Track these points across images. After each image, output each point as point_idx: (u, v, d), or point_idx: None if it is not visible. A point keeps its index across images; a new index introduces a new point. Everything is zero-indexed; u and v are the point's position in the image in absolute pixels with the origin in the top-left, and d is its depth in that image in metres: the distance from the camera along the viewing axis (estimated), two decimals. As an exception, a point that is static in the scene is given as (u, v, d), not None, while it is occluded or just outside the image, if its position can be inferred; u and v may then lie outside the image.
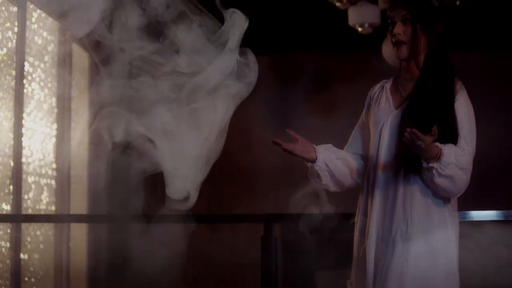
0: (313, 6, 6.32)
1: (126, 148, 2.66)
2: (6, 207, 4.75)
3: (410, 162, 2.52)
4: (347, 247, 2.83)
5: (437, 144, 2.45)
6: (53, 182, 5.50)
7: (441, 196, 2.56)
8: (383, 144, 2.63)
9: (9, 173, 4.80)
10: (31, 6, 5.14)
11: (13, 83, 4.85)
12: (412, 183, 2.56)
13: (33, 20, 5.19)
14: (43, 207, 5.31)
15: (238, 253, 6.55)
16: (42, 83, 5.31)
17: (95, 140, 2.77)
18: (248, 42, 2.60)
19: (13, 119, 4.82)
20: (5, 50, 4.76)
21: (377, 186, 2.62)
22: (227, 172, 6.62)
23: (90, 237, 6.00)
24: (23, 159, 4.97)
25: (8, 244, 4.74)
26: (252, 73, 2.58)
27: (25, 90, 4.99)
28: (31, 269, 5.10)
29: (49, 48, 5.45)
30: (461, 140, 2.52)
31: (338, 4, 5.55)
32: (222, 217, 5.09)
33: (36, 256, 5.17)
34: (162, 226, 4.00)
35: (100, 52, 2.63)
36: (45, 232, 5.34)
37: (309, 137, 2.72)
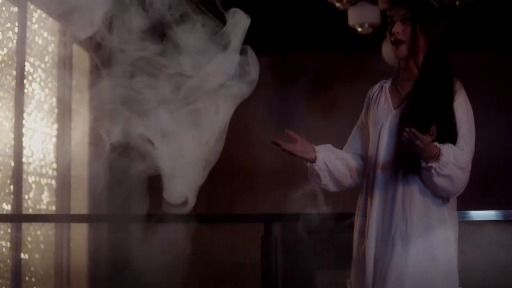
0: (313, 6, 6.33)
1: (126, 149, 2.67)
2: (7, 207, 4.76)
3: (409, 162, 2.53)
4: (346, 247, 2.83)
5: (436, 143, 2.45)
6: (53, 182, 5.51)
7: (440, 196, 2.56)
8: (382, 144, 2.64)
9: (10, 173, 4.80)
10: (32, 6, 5.15)
11: (13, 83, 4.85)
12: (411, 183, 2.56)
13: (34, 20, 5.20)
14: (43, 207, 5.32)
15: (238, 253, 6.55)
16: (42, 83, 5.32)
17: (95, 141, 2.78)
18: (248, 42, 2.60)
19: (13, 119, 4.83)
20: (5, 50, 4.77)
21: (377, 186, 2.63)
22: (227, 172, 6.62)
23: (90, 237, 6.00)
24: (24, 159, 4.98)
25: (8, 244, 4.74)
26: (254, 71, 2.59)
27: (25, 90, 4.99)
28: (32, 268, 5.11)
29: (50, 49, 5.46)
30: (460, 140, 2.53)
31: (338, 4, 5.56)
32: (222, 217, 5.09)
33: (36, 256, 5.17)
34: (162, 226, 4.00)
35: (101, 53, 2.64)
36: (46, 232, 5.35)
37: (309, 137, 2.73)
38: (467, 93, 2.64)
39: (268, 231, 3.59)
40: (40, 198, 5.28)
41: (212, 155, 2.58)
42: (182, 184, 2.60)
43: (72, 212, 5.71)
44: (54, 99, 5.50)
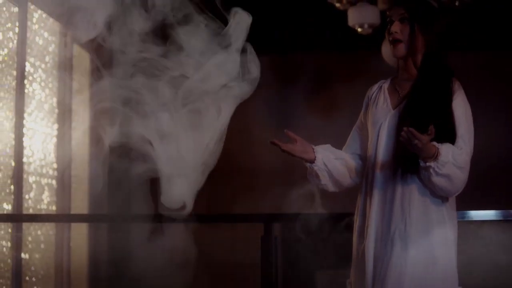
0: (313, 7, 6.33)
1: (126, 149, 2.67)
2: (7, 207, 4.76)
3: (407, 162, 2.53)
4: (346, 247, 2.84)
5: (434, 143, 2.46)
6: (54, 182, 5.52)
7: (439, 195, 2.57)
8: (381, 144, 2.65)
9: (10, 173, 4.81)
10: (32, 6, 5.16)
11: (14, 83, 4.86)
12: (410, 183, 2.57)
13: (34, 20, 5.20)
14: (44, 206, 5.32)
15: (238, 252, 6.56)
16: (43, 84, 5.32)
17: (95, 141, 2.78)
18: (248, 42, 2.61)
19: (14, 119, 4.83)
20: (6, 50, 4.77)
21: (376, 186, 2.64)
22: (227, 172, 6.62)
23: (90, 237, 6.01)
24: (24, 159, 4.98)
25: (9, 244, 4.75)
26: (255, 69, 2.59)
27: (26, 91, 5.00)
28: (32, 268, 5.11)
29: (50, 49, 5.47)
30: (459, 140, 2.53)
31: (337, 4, 5.57)
32: (222, 217, 5.10)
33: (37, 255, 5.18)
34: (162, 225, 4.01)
35: (101, 54, 2.64)
36: (46, 232, 5.35)
37: (309, 137, 2.73)
38: (466, 93, 2.65)
39: (268, 231, 3.59)
40: (41, 198, 5.28)
41: (212, 158, 2.58)
42: (181, 189, 2.60)
43: (73, 212, 5.72)
44: (55, 99, 5.51)
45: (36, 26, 5.23)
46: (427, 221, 2.57)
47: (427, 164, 2.46)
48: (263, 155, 6.51)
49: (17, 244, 4.79)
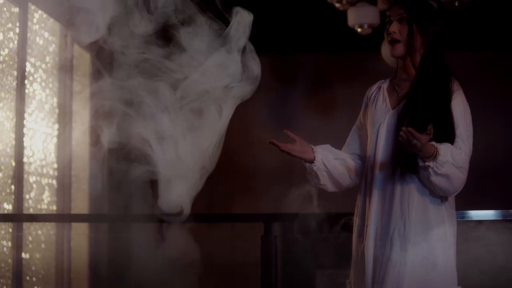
0: (312, 7, 6.34)
1: (126, 150, 2.67)
2: (8, 207, 4.77)
3: (406, 161, 2.54)
4: (346, 247, 2.84)
5: (433, 143, 2.46)
6: (54, 181, 5.53)
7: (438, 195, 2.57)
8: (380, 143, 2.65)
9: (11, 173, 4.82)
10: (33, 7, 5.17)
11: (14, 83, 4.86)
12: (409, 182, 2.57)
13: (35, 21, 5.21)
14: (44, 206, 5.33)
15: (237, 252, 6.57)
16: (43, 84, 5.33)
17: (95, 141, 2.78)
18: (248, 41, 2.62)
19: (14, 119, 4.84)
20: (6, 50, 4.78)
21: (375, 186, 2.64)
22: (227, 172, 6.63)
23: (91, 237, 6.02)
24: (25, 159, 4.99)
25: (9, 244, 4.76)
26: (256, 67, 2.59)
27: (26, 91, 5.01)
28: (33, 268, 5.12)
29: (51, 49, 5.47)
30: (458, 139, 2.54)
31: (337, 5, 5.58)
32: (222, 217, 5.10)
33: (37, 255, 5.19)
34: (162, 225, 4.02)
35: (102, 54, 2.64)
36: (47, 232, 5.36)
37: (309, 137, 2.74)
38: (465, 93, 2.65)
39: (268, 230, 3.59)
40: (41, 198, 5.29)
41: (211, 161, 2.59)
42: (178, 193, 2.60)
43: (73, 212, 5.72)
44: (55, 100, 5.52)
45: (37, 27, 5.24)
46: (426, 220, 2.57)
47: (426, 163, 2.47)
48: (263, 155, 6.52)
49: (18, 244, 4.79)
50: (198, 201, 2.71)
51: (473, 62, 6.96)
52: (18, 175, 4.88)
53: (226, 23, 2.59)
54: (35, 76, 5.20)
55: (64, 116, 5.54)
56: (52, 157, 5.47)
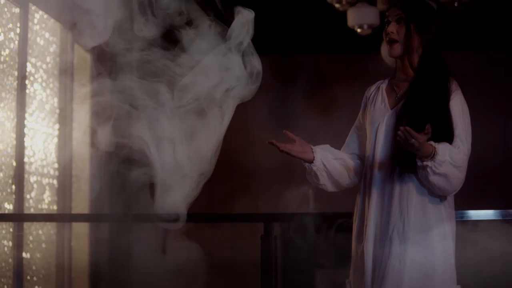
0: (312, 8, 6.35)
1: (125, 151, 2.67)
2: (9, 207, 4.78)
3: (405, 161, 2.54)
4: (346, 246, 2.85)
5: (432, 142, 2.47)
6: (55, 181, 5.54)
7: (437, 194, 2.58)
8: (379, 143, 2.66)
9: (12, 172, 4.83)
10: (33, 7, 5.18)
11: (15, 83, 4.87)
12: (408, 182, 2.58)
13: (35, 21, 5.22)
14: (45, 206, 5.34)
15: (238, 252, 6.58)
16: (44, 84, 5.34)
17: (95, 142, 2.77)
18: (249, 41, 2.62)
19: (15, 120, 4.85)
20: (7, 51, 4.79)
21: (374, 186, 2.65)
22: (227, 172, 6.64)
23: (91, 236, 6.02)
24: (25, 159, 5.00)
25: (10, 243, 4.77)
26: (257, 64, 2.60)
27: (27, 91, 5.02)
28: (33, 268, 5.13)
29: (51, 49, 5.48)
30: (456, 139, 2.54)
31: (337, 5, 5.59)
32: (222, 216, 5.11)
33: (38, 255, 5.19)
34: (163, 225, 4.02)
35: (104, 57, 2.64)
36: (47, 231, 5.37)
37: (308, 137, 2.75)
38: (465, 93, 2.65)
39: (268, 230, 3.60)
40: (42, 197, 5.30)
41: (209, 167, 2.59)
42: (175, 200, 2.60)
43: (74, 211, 5.73)
44: (56, 100, 5.53)
45: (37, 27, 5.25)
46: (425, 220, 2.58)
47: (424, 163, 2.47)
48: (263, 155, 6.53)
49: (19, 243, 4.80)
50: (198, 201, 2.72)
51: (473, 62, 6.97)
52: (19, 175, 4.89)
53: (226, 22, 2.60)
54: (36, 76, 5.21)
55: (64, 116, 5.55)
56: (52, 157, 5.48)
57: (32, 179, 5.13)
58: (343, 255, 3.04)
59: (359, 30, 5.67)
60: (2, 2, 4.71)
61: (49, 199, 5.42)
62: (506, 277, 3.95)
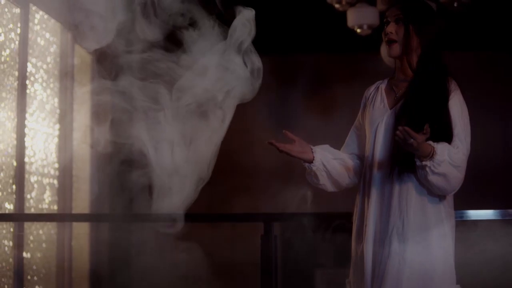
0: (312, 8, 6.36)
1: (126, 152, 2.67)
2: (9, 206, 4.79)
3: (404, 161, 2.55)
4: (345, 246, 2.86)
5: (430, 142, 2.47)
6: (55, 181, 5.54)
7: (436, 194, 2.58)
8: (378, 143, 2.66)
9: (12, 172, 4.83)
10: (34, 7, 5.18)
11: (16, 84, 4.88)
12: (407, 181, 2.58)
13: (36, 21, 5.23)
14: (45, 206, 5.35)
15: (238, 251, 6.59)
16: (44, 84, 5.35)
17: (95, 142, 2.77)
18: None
19: (16, 120, 4.86)
20: (8, 51, 4.80)
21: (373, 185, 2.65)
22: (227, 172, 6.65)
23: (92, 236, 6.03)
24: (26, 159, 5.01)
25: (11, 243, 4.77)
26: (257, 61, 2.60)
27: (27, 91, 5.02)
28: (34, 267, 5.14)
29: (52, 49, 5.49)
30: (455, 139, 2.54)
31: (337, 5, 5.59)
32: (223, 216, 5.11)
33: (38, 254, 5.20)
34: (163, 225, 4.03)
35: (104, 58, 2.65)
36: (48, 231, 5.38)
37: (309, 138, 2.75)
38: (465, 93, 2.65)
39: (268, 230, 3.60)
40: (42, 197, 5.31)
41: (208, 172, 2.59)
42: (172, 203, 2.60)
43: (74, 211, 5.74)
44: (56, 100, 5.54)
45: (38, 27, 5.26)
46: (424, 219, 2.58)
47: (423, 163, 2.47)
48: (263, 155, 6.53)
49: (19, 243, 4.80)
50: (198, 201, 2.72)
51: (472, 62, 6.98)
52: (20, 175, 4.89)
53: (227, 22, 2.60)
54: (36, 76, 5.22)
55: (65, 116, 5.56)
56: (53, 157, 5.49)
57: (33, 179, 5.14)
58: (343, 255, 3.05)
59: (358, 31, 5.68)
60: (2, 2, 4.71)
61: (50, 199, 5.42)
62: (505, 277, 3.96)
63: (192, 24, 2.58)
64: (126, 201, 4.77)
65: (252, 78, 2.58)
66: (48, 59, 5.42)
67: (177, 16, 2.58)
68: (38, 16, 5.27)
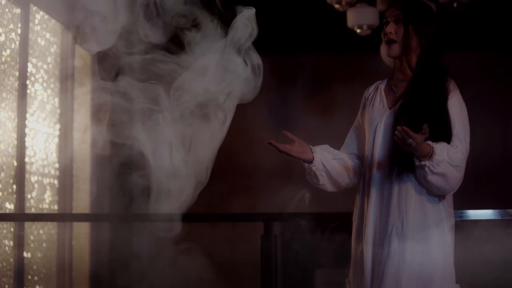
0: (312, 8, 6.36)
1: (126, 152, 2.68)
2: (10, 206, 4.79)
3: (403, 161, 2.55)
4: (345, 246, 2.86)
5: (429, 142, 2.47)
6: (56, 181, 5.55)
7: (435, 193, 2.58)
8: (378, 143, 2.66)
9: (13, 172, 4.84)
10: (34, 8, 5.19)
11: (16, 84, 4.89)
12: (406, 181, 2.58)
13: (36, 21, 5.24)
14: (46, 206, 5.35)
15: (238, 251, 6.59)
16: (45, 84, 5.36)
17: (95, 143, 2.78)
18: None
19: (16, 120, 4.87)
20: (8, 51, 4.81)
21: (373, 185, 2.65)
22: (227, 171, 6.66)
23: (92, 236, 6.04)
24: (26, 159, 5.02)
25: (11, 243, 4.78)
26: (256, 58, 2.60)
27: (28, 91, 5.03)
28: (34, 267, 5.14)
29: (52, 49, 5.50)
30: (454, 138, 2.54)
31: (337, 6, 5.60)
32: (223, 216, 5.12)
33: (39, 254, 5.21)
34: (163, 224, 4.04)
35: (105, 58, 2.65)
36: (48, 231, 5.39)
37: (309, 138, 2.76)
38: (465, 93, 2.65)
39: (268, 229, 3.61)
40: (43, 197, 5.31)
41: (206, 176, 2.59)
42: (169, 208, 2.59)
43: (74, 211, 5.74)
44: (57, 100, 5.54)
45: (38, 27, 5.27)
46: (424, 219, 2.58)
47: (422, 163, 2.48)
48: (263, 155, 6.54)
49: (20, 243, 4.81)
50: (198, 201, 2.73)
51: (473, 62, 6.98)
52: (20, 175, 4.90)
53: (227, 23, 2.61)
54: (37, 76, 5.23)
55: (65, 116, 5.57)
56: (53, 157, 5.49)
57: (33, 179, 5.15)
58: (343, 254, 3.05)
59: (358, 31, 5.68)
60: (3, 2, 4.72)
61: (50, 198, 5.43)
62: (505, 277, 3.96)
63: (194, 24, 2.58)
64: (127, 201, 4.77)
65: (253, 78, 2.59)
66: (49, 59, 5.43)
67: (178, 17, 2.58)
68: (39, 16, 5.28)
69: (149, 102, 2.60)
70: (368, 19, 5.59)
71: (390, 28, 2.67)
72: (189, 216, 2.92)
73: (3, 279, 4.67)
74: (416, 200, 2.59)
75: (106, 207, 6.01)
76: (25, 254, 4.94)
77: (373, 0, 5.71)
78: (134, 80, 2.59)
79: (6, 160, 4.75)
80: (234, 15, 2.59)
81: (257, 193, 6.76)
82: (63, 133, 5.54)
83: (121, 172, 2.83)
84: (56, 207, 5.52)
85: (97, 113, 2.78)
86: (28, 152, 5.05)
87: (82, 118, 5.65)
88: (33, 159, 5.14)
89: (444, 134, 2.54)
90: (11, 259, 4.76)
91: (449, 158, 2.48)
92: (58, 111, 5.55)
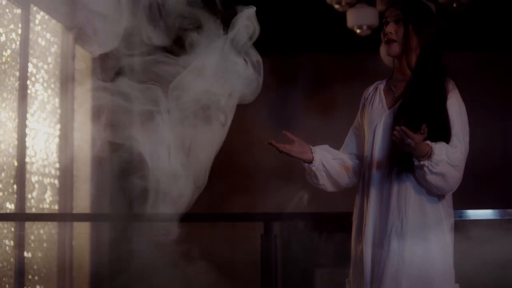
0: (312, 8, 6.37)
1: (126, 153, 2.68)
2: (10, 206, 4.80)
3: (403, 161, 2.55)
4: (345, 246, 2.86)
5: (428, 142, 2.48)
6: (56, 181, 5.56)
7: (435, 193, 2.59)
8: (377, 143, 2.67)
9: (13, 172, 4.85)
10: (35, 8, 5.20)
11: (17, 84, 4.89)
12: (406, 181, 2.59)
13: (37, 22, 5.24)
14: (46, 206, 5.36)
15: (238, 251, 6.60)
16: (45, 84, 5.36)
17: (96, 143, 2.78)
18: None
19: (17, 120, 4.87)
20: (9, 51, 4.81)
21: (372, 185, 2.66)
22: (227, 171, 6.66)
23: (92, 236, 6.04)
24: (27, 159, 5.02)
25: (12, 243, 4.78)
26: (256, 56, 2.60)
27: (28, 91, 5.04)
28: (35, 267, 5.15)
29: (52, 50, 5.50)
30: (453, 138, 2.55)
31: (337, 6, 5.61)
32: (223, 216, 5.12)
33: (39, 254, 5.21)
34: (163, 224, 4.04)
35: (105, 59, 2.65)
36: (49, 231, 5.39)
37: (309, 138, 2.76)
38: (465, 93, 2.66)
39: (268, 229, 3.61)
40: (43, 197, 5.32)
41: (203, 178, 2.59)
42: (167, 211, 2.59)
43: (75, 211, 5.75)
44: (57, 100, 5.55)
45: (39, 27, 5.27)
46: (423, 219, 2.59)
47: (421, 162, 2.48)
48: (263, 155, 6.54)
49: (20, 243, 4.81)
50: (198, 200, 2.73)
51: (472, 62, 6.98)
52: (21, 175, 4.91)
53: (227, 23, 2.61)
54: (37, 76, 5.23)
55: (66, 116, 5.57)
56: (54, 157, 5.50)
57: (34, 179, 5.15)
58: (343, 254, 3.05)
59: (358, 31, 5.69)
60: (3, 3, 4.73)
61: (51, 198, 5.44)
62: (505, 277, 3.97)
63: (194, 25, 2.58)
64: (127, 201, 4.78)
65: (255, 77, 2.59)
66: (49, 60, 5.44)
67: (179, 18, 2.58)
68: (39, 16, 5.29)
69: (149, 103, 2.60)
70: (368, 19, 5.60)
71: (390, 28, 2.68)
72: (189, 216, 2.93)
73: (4, 279, 4.68)
74: (415, 200, 2.59)
75: (106, 207, 6.02)
76: (25, 254, 4.95)
77: (373, 0, 5.72)
78: (135, 81, 2.59)
79: (7, 160, 4.76)
80: (234, 14, 2.60)
81: (257, 193, 6.76)
82: (64, 133, 5.55)
83: (121, 173, 2.83)
84: (56, 207, 5.53)
85: (97, 113, 2.78)
86: (28, 152, 5.05)
87: (82, 118, 5.66)
88: (33, 159, 5.15)
89: (443, 134, 2.55)
90: (12, 259, 4.76)
91: (448, 158, 2.49)
92: (59, 111, 5.56)
